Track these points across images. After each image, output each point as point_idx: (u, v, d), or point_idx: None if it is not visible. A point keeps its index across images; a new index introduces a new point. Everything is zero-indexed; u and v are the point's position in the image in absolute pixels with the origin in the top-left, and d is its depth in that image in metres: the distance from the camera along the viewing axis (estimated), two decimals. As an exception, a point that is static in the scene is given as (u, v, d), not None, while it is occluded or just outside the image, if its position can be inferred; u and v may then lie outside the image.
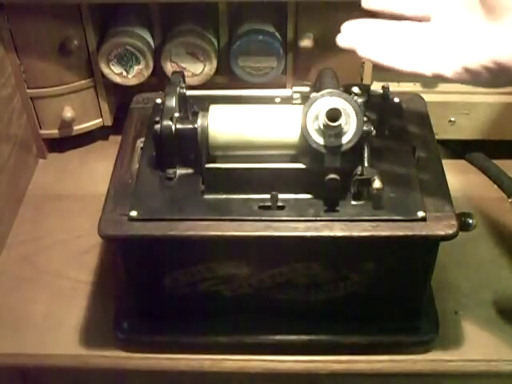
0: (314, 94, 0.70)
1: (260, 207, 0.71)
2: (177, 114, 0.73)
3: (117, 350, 0.80)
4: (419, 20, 0.61)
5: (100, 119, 1.07)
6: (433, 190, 0.73)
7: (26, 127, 1.03)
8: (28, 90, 1.00)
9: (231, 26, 0.98)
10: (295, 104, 0.76)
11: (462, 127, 1.02)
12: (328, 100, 0.69)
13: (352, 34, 0.63)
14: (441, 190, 0.74)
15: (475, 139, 1.03)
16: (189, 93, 0.77)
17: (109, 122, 1.07)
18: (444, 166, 0.77)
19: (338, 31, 0.93)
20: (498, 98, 0.99)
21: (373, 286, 0.75)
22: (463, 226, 0.86)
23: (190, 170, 0.75)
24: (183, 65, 0.97)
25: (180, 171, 0.75)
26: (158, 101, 0.79)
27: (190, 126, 0.72)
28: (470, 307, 0.84)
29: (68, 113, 1.02)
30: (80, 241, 0.92)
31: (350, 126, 0.69)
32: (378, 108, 0.77)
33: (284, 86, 1.00)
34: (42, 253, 0.92)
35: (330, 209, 0.71)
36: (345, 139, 0.69)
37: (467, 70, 0.54)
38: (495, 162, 1.03)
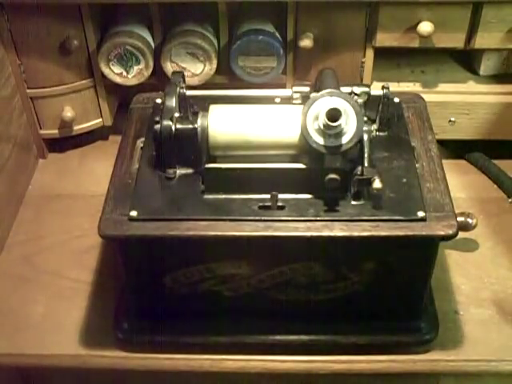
0: (313, 94, 0.70)
1: (260, 207, 0.71)
2: (177, 114, 0.73)
3: (117, 350, 0.80)
4: None
5: (100, 119, 1.07)
6: (433, 190, 0.73)
7: (26, 127, 1.03)
8: (28, 90, 1.00)
9: (231, 25, 0.98)
10: (295, 104, 0.76)
11: (462, 127, 1.02)
12: (328, 100, 0.69)
13: None
14: (441, 190, 0.74)
15: (475, 139, 1.03)
16: (189, 93, 0.77)
17: (109, 122, 1.07)
18: (444, 166, 0.77)
19: (338, 31, 0.94)
20: (498, 98, 0.99)
21: (373, 285, 0.75)
22: (463, 226, 0.86)
23: (189, 170, 0.75)
24: (183, 65, 0.97)
25: (180, 171, 0.75)
26: (158, 101, 0.79)
27: (190, 126, 0.72)
28: (469, 307, 0.84)
29: (68, 113, 1.02)
30: (80, 241, 0.92)
31: (349, 126, 0.69)
32: (378, 108, 0.77)
33: (284, 86, 1.00)
34: (42, 253, 0.92)
35: (330, 209, 0.71)
36: (345, 139, 0.69)
37: None
38: (495, 162, 1.03)
